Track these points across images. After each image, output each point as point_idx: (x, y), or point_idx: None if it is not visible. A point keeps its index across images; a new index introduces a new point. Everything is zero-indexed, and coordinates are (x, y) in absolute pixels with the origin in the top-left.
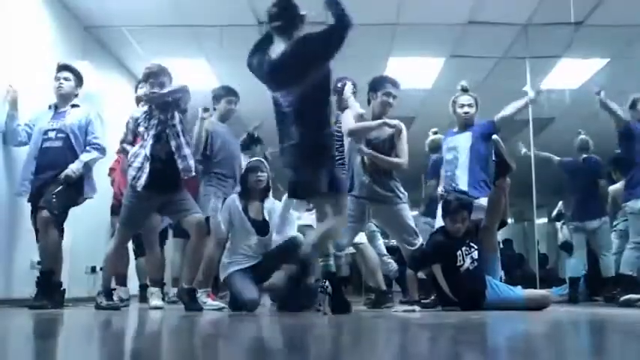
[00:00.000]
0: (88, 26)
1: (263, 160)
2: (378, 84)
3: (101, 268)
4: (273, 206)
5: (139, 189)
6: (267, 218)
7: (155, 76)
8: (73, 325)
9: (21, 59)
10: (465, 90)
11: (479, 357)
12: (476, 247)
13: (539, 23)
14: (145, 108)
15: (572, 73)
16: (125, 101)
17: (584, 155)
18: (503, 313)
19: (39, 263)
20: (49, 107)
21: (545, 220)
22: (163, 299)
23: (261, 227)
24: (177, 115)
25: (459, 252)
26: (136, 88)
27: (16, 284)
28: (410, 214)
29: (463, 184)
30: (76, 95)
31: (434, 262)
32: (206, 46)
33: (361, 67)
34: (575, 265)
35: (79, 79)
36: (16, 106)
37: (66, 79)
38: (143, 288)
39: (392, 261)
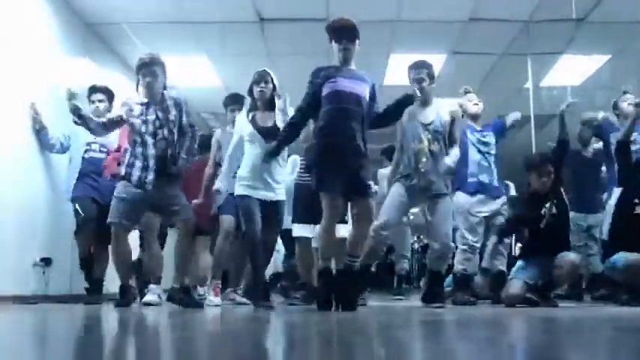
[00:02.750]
0: (89, 23)
1: (270, 72)
2: (408, 75)
3: None
4: (284, 105)
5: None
6: (278, 122)
7: (146, 66)
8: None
9: (22, 56)
10: (468, 92)
11: (479, 354)
12: (557, 198)
13: (541, 20)
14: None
15: (574, 70)
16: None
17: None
18: (501, 311)
19: (42, 260)
20: None
21: None
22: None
23: (270, 132)
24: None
25: (540, 214)
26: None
27: (18, 282)
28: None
29: (495, 180)
30: (109, 111)
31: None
32: (207, 43)
33: (362, 63)
34: None
35: (110, 96)
36: (42, 123)
37: (100, 100)
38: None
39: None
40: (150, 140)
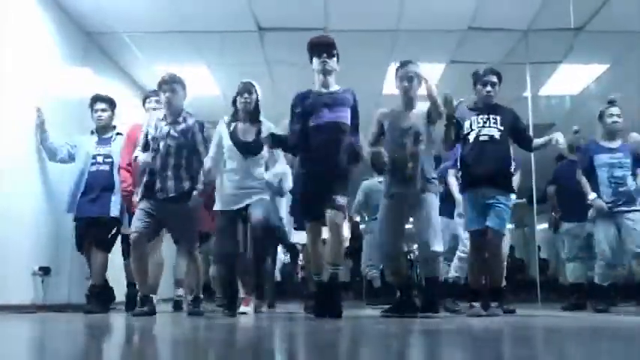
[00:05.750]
0: (89, 32)
1: (254, 83)
2: (395, 74)
3: None
4: (270, 126)
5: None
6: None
7: (167, 83)
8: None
9: (22, 65)
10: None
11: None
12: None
13: (540, 29)
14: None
15: (572, 79)
16: (125, 107)
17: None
18: (502, 320)
19: (40, 269)
20: (92, 132)
21: (545, 225)
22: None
23: (249, 148)
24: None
25: (472, 119)
26: (144, 101)
27: (17, 291)
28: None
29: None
30: (112, 119)
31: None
32: (206, 53)
33: (362, 73)
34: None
35: (113, 106)
36: (44, 128)
37: (103, 110)
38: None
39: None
40: (153, 154)
